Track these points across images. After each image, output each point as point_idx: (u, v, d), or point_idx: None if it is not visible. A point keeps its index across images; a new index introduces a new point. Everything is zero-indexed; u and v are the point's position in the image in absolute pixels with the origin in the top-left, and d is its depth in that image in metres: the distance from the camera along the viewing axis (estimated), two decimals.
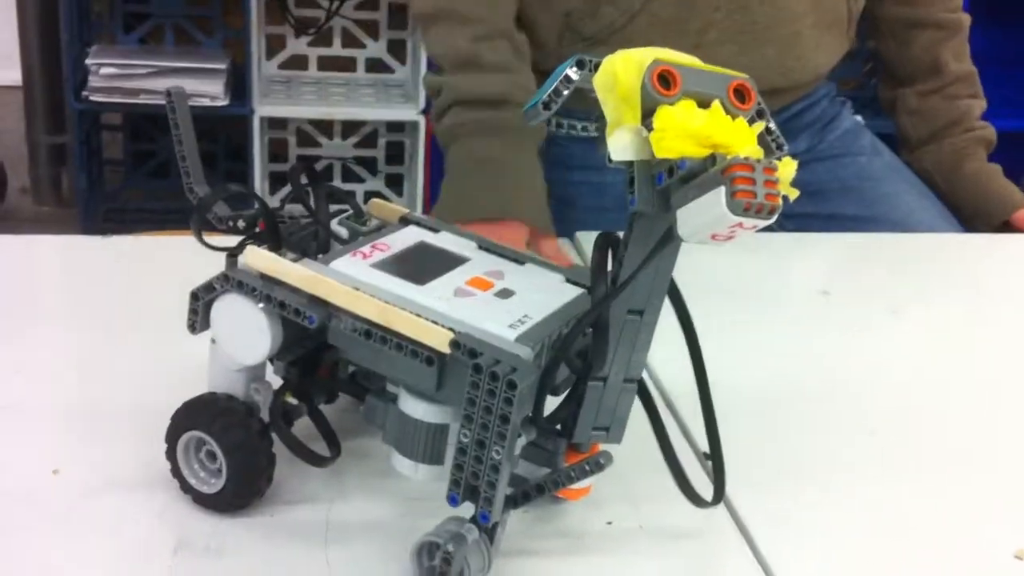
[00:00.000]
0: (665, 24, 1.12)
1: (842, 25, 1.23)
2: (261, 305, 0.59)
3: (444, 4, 1.07)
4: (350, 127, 2.88)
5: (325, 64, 2.79)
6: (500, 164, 1.03)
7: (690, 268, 0.62)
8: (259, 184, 2.63)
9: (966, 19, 1.30)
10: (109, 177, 2.94)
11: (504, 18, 1.07)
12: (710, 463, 0.62)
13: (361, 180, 2.92)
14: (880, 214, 1.23)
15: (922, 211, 1.25)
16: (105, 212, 2.80)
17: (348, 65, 2.80)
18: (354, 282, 0.58)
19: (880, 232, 1.21)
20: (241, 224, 0.64)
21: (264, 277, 0.59)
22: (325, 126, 2.88)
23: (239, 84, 2.54)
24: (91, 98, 2.46)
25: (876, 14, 1.30)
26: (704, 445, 0.63)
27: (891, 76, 1.33)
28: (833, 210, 1.25)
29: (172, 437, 0.62)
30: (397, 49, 2.79)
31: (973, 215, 1.26)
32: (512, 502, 0.58)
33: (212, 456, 0.62)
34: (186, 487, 0.63)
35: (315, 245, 0.65)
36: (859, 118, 1.37)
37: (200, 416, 0.61)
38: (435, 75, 1.09)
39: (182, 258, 0.70)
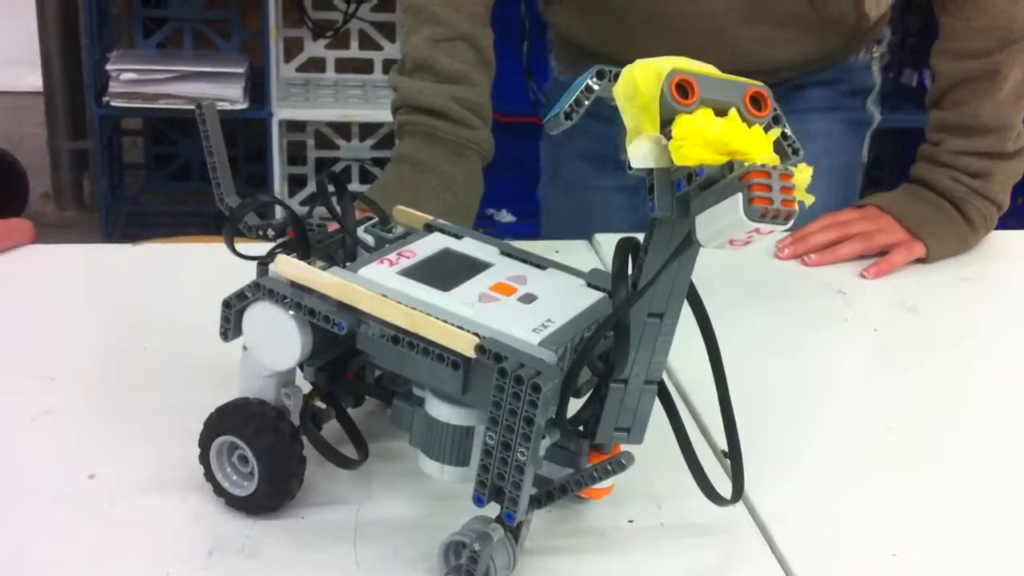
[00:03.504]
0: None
1: (804, 24, 1.15)
2: (291, 312, 0.60)
3: (414, 0, 1.08)
4: (367, 128, 2.89)
5: (342, 66, 2.81)
6: (427, 167, 1.05)
7: (709, 268, 0.63)
8: (278, 186, 2.65)
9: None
10: (130, 181, 2.97)
11: (468, 20, 1.08)
12: (729, 461, 0.64)
13: None
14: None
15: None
16: (127, 216, 2.83)
17: (365, 67, 2.82)
18: (381, 289, 0.60)
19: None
20: (271, 233, 0.66)
21: (294, 285, 0.61)
22: (343, 128, 2.90)
23: (257, 87, 2.56)
24: (112, 103, 2.48)
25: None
26: (723, 443, 0.64)
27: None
28: None
29: (205, 441, 0.64)
30: None
31: None
32: (536, 502, 0.59)
33: (244, 460, 0.63)
34: (219, 490, 0.64)
35: (343, 253, 0.66)
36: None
37: (233, 421, 0.63)
38: (396, 72, 1.10)
39: (212, 265, 0.72)
